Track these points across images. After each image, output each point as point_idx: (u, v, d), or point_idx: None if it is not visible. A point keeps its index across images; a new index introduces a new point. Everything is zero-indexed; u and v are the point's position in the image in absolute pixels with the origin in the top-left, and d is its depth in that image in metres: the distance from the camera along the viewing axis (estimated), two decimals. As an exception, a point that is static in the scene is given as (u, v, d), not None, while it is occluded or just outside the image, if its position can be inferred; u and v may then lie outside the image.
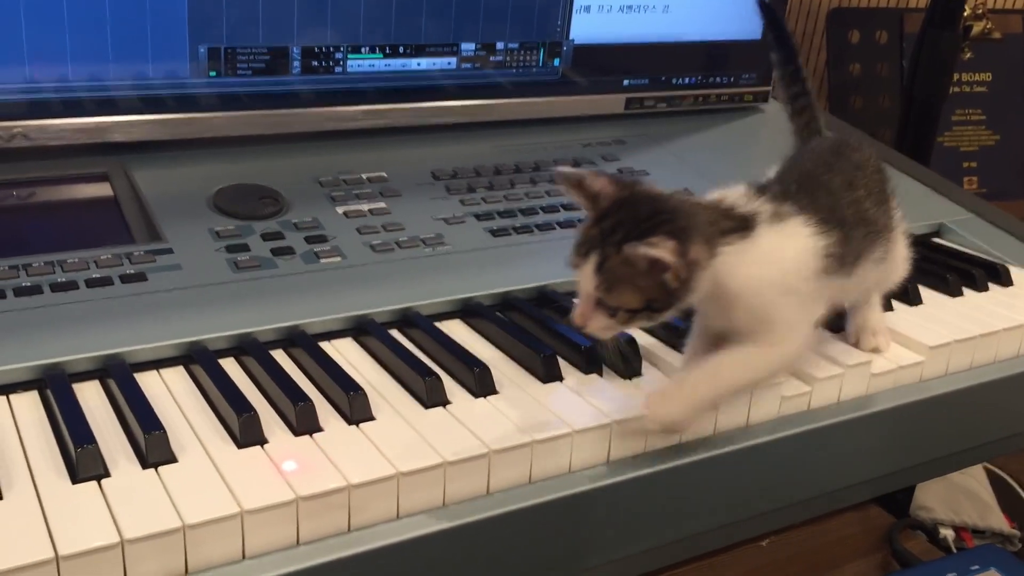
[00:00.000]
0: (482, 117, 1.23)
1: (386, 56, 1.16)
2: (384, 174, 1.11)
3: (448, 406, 0.76)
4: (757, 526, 0.87)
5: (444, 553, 0.68)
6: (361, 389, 0.75)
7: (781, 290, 0.74)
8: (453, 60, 1.20)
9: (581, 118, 1.30)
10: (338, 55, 1.13)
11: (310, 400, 0.73)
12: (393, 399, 0.77)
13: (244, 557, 0.63)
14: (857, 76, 1.95)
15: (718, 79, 1.38)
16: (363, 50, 1.14)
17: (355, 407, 0.74)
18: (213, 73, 1.07)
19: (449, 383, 0.79)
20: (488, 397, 0.78)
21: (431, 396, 0.76)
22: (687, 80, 1.36)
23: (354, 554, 0.64)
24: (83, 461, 0.65)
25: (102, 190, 1.02)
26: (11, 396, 0.74)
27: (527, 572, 0.74)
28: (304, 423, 0.72)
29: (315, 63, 1.12)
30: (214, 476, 0.66)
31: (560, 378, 0.81)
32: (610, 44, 1.29)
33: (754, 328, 0.75)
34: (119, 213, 0.99)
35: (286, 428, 0.73)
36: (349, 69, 1.14)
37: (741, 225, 0.74)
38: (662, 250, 0.67)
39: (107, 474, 0.66)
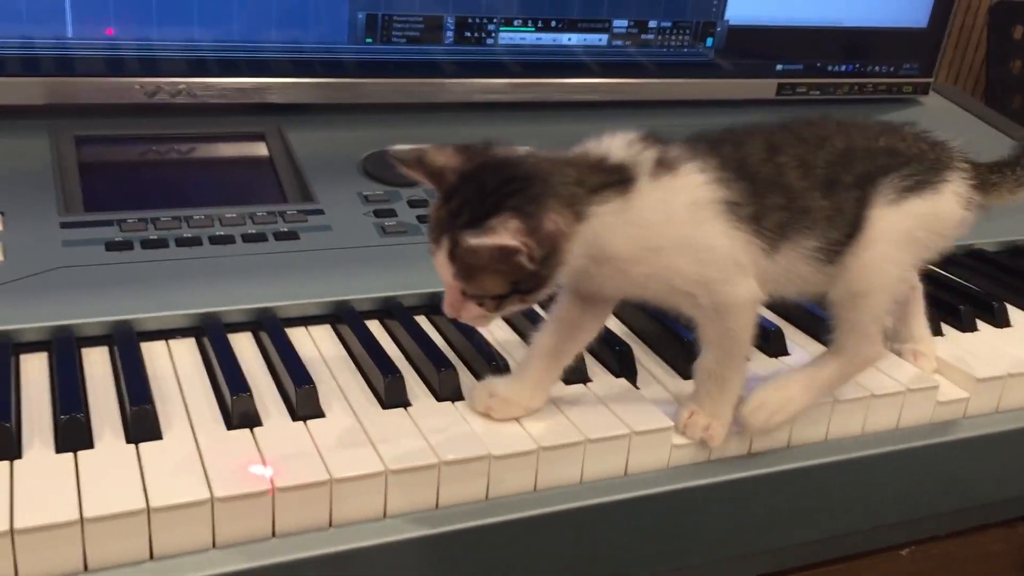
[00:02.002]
0: (629, 96, 1.22)
1: (538, 30, 1.15)
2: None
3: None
4: (898, 535, 0.84)
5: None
6: (500, 360, 0.75)
7: (677, 246, 0.65)
8: (604, 37, 1.18)
9: (730, 102, 1.26)
10: (490, 27, 1.13)
11: (453, 367, 0.74)
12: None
13: (385, 515, 0.64)
14: (1018, 74, 1.84)
15: (876, 68, 1.32)
16: (515, 23, 1.14)
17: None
18: (369, 40, 1.08)
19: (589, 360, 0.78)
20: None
21: (574, 375, 0.76)
22: (843, 67, 1.30)
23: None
24: (238, 409, 0.67)
25: (258, 149, 1.05)
26: (170, 341, 0.77)
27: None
28: (446, 390, 0.72)
29: (467, 34, 1.12)
30: (360, 434, 0.67)
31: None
32: (765, 27, 1.25)
33: (676, 298, 0.66)
34: (274, 172, 1.01)
35: (429, 393, 0.73)
36: (500, 42, 1.14)
37: (616, 178, 0.64)
38: (502, 235, 0.59)
39: (259, 423, 0.68)
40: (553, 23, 1.15)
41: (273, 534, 0.62)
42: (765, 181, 0.67)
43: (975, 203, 0.73)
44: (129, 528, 0.58)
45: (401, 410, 0.70)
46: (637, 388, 0.76)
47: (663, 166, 0.65)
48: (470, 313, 0.64)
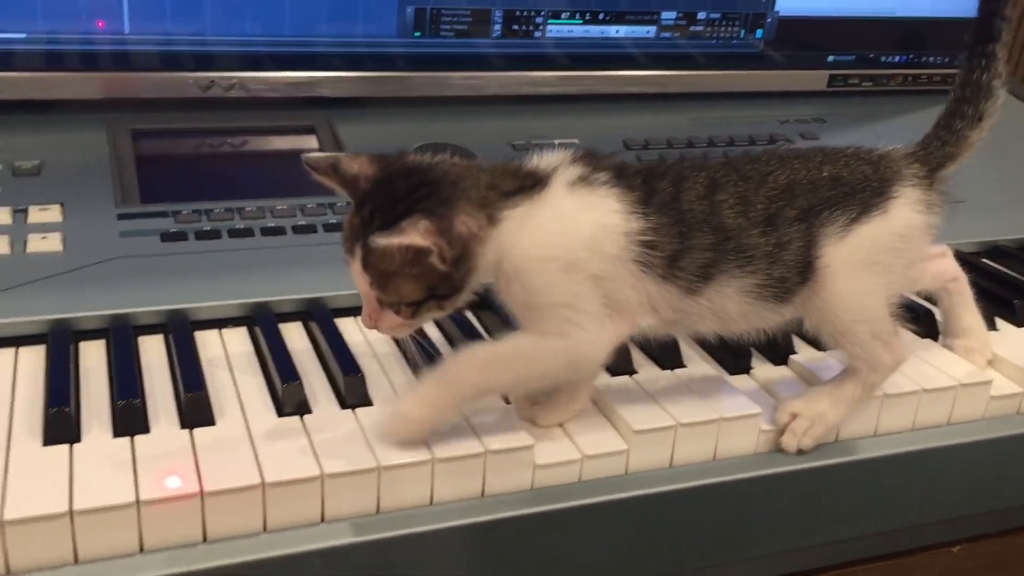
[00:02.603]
0: (677, 88, 1.21)
1: (585, 22, 1.15)
2: (576, 140, 1.11)
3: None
4: (949, 531, 0.83)
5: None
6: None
7: (563, 265, 0.62)
8: (652, 29, 1.17)
9: (780, 94, 1.25)
10: (538, 19, 1.13)
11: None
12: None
13: (432, 503, 0.65)
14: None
15: (931, 59, 1.30)
16: (563, 15, 1.14)
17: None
18: (417, 33, 1.09)
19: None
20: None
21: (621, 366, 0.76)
22: (896, 58, 1.29)
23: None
24: (288, 397, 0.69)
25: (308, 142, 1.06)
26: (223, 330, 0.79)
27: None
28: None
29: (515, 27, 1.12)
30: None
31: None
32: (816, 17, 1.24)
33: (526, 314, 0.64)
34: (323, 165, 1.03)
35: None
36: (548, 34, 1.14)
37: (529, 183, 0.63)
38: (412, 234, 0.58)
39: (309, 411, 0.69)
40: (601, 15, 1.15)
41: (322, 519, 0.63)
42: (695, 220, 0.65)
43: (936, 196, 0.71)
44: (183, 511, 0.59)
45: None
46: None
47: (583, 181, 0.64)
48: (387, 323, 0.63)
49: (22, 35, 0.96)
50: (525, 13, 1.12)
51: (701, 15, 1.19)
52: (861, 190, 0.68)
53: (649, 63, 1.19)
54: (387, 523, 0.63)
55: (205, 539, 0.60)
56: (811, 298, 0.68)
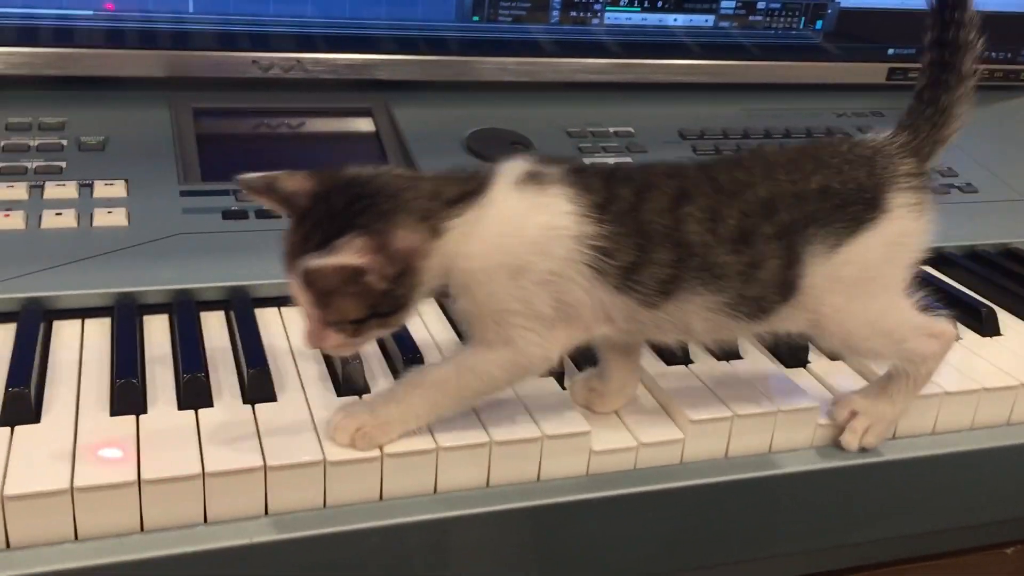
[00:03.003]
0: (735, 78, 1.20)
1: (644, 10, 1.14)
2: (631, 129, 1.11)
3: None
4: (1004, 532, 0.82)
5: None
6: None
7: (510, 271, 0.59)
8: (711, 17, 1.17)
9: (838, 86, 1.24)
10: (596, 6, 1.13)
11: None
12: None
13: (488, 484, 0.65)
14: None
15: (992, 54, 1.28)
16: (621, 2, 1.13)
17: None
18: (476, 18, 1.09)
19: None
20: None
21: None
22: (958, 52, 1.26)
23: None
24: (350, 376, 0.70)
25: (365, 125, 1.07)
26: (282, 308, 0.80)
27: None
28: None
29: (573, 13, 1.12)
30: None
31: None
32: (877, 9, 1.22)
33: (474, 323, 0.61)
34: (380, 147, 1.03)
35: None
36: (605, 21, 1.14)
37: (474, 187, 0.60)
38: (347, 254, 0.56)
39: (368, 390, 0.70)
40: (659, 3, 1.14)
41: (380, 497, 0.63)
42: (656, 234, 0.61)
43: (929, 195, 0.66)
44: (247, 484, 0.60)
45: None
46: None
47: (532, 178, 0.61)
48: (330, 342, 0.60)
49: (89, 12, 0.98)
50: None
51: (761, 5, 1.18)
52: (852, 203, 0.63)
53: (706, 52, 1.18)
54: (444, 503, 0.63)
55: (267, 512, 0.61)
56: (800, 316, 0.64)
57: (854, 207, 0.63)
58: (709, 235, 0.61)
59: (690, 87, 1.18)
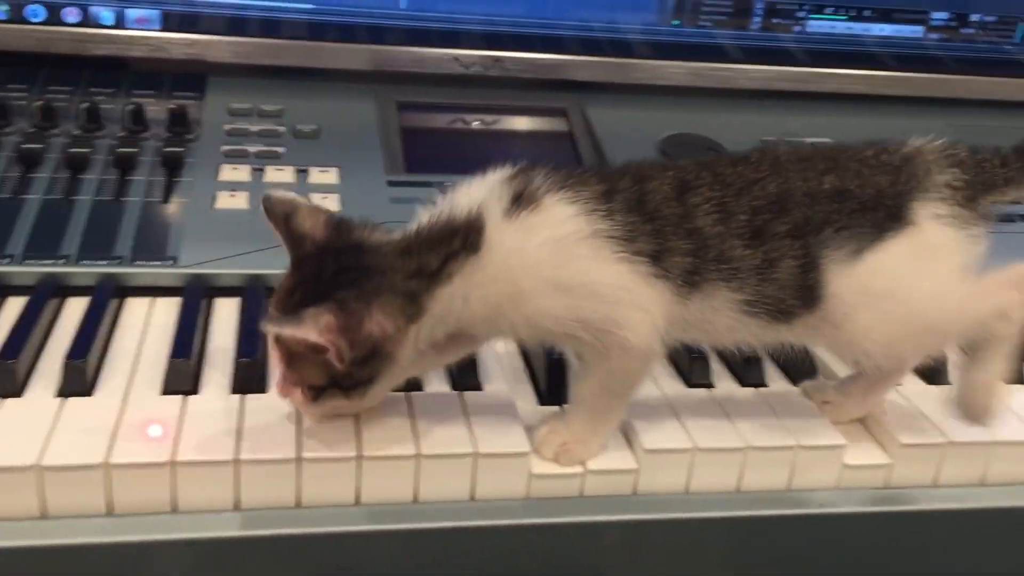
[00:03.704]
0: (938, 92, 1.15)
1: (850, 19, 1.11)
2: (829, 140, 1.08)
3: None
4: None
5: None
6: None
7: (542, 289, 0.57)
8: (920, 28, 1.12)
9: (1053, 105, 1.17)
10: (800, 13, 1.10)
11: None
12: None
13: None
14: None
15: None
16: (827, 10, 1.11)
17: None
18: (676, 22, 1.09)
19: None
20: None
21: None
22: None
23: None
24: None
25: (559, 125, 1.08)
26: None
27: None
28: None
29: (775, 20, 1.10)
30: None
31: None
32: (1103, 25, 1.15)
33: (559, 341, 0.60)
34: (574, 148, 1.04)
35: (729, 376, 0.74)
36: (808, 29, 1.11)
37: (460, 243, 0.57)
38: (309, 328, 0.54)
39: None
40: (866, 12, 1.11)
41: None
42: (668, 221, 0.58)
43: (976, 212, 0.61)
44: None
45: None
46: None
47: (522, 202, 0.58)
48: (294, 399, 0.59)
49: (310, 6, 1.03)
50: (788, 6, 1.10)
51: (975, 17, 1.12)
52: (872, 208, 0.60)
53: (912, 64, 1.14)
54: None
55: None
56: (827, 330, 0.61)
57: (873, 213, 0.60)
58: (721, 227, 0.59)
59: (890, 99, 1.15)
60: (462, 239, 0.58)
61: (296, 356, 0.57)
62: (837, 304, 0.60)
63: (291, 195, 0.60)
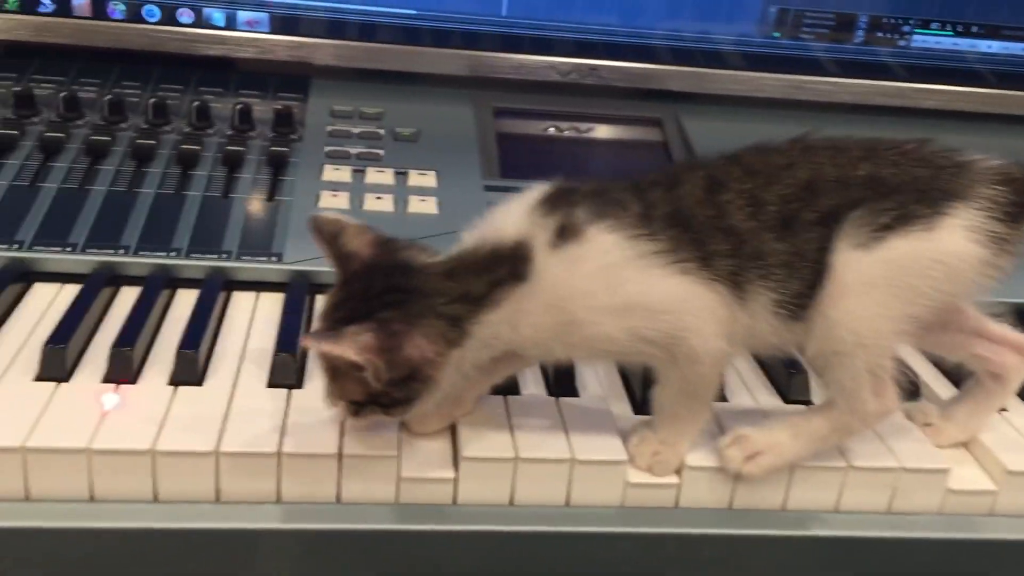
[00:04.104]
0: (1044, 112, 1.12)
1: (956, 34, 1.09)
2: (929, 157, 1.06)
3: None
4: None
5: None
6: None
7: (598, 320, 0.58)
8: (1028, 46, 1.10)
9: None
10: (905, 28, 1.08)
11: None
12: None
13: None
14: None
15: None
16: (933, 25, 1.08)
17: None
18: (776, 34, 1.08)
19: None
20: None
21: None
22: None
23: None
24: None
25: (653, 134, 1.08)
26: None
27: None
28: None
29: (879, 34, 1.08)
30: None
31: None
32: None
33: (627, 358, 0.61)
34: (668, 158, 1.04)
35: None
36: (912, 44, 1.09)
37: (508, 271, 0.58)
38: (348, 347, 0.54)
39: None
40: (974, 28, 1.09)
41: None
42: (704, 225, 0.58)
43: (1013, 236, 0.58)
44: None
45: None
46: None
47: (565, 233, 0.58)
48: (340, 411, 0.60)
49: (412, 11, 1.05)
50: (893, 20, 1.08)
51: (1088, 35, 1.09)
52: (903, 192, 0.58)
53: (1015, 83, 1.11)
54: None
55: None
56: (813, 316, 0.59)
57: (903, 197, 0.58)
58: (753, 221, 0.58)
59: (998, 118, 1.12)
60: (510, 267, 0.58)
61: (338, 370, 0.58)
62: (833, 288, 0.58)
63: (338, 215, 0.61)
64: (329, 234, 0.60)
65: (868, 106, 1.11)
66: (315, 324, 0.60)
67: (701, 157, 0.62)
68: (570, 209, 0.59)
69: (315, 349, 0.57)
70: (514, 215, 0.60)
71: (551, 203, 0.60)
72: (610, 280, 0.58)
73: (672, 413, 0.63)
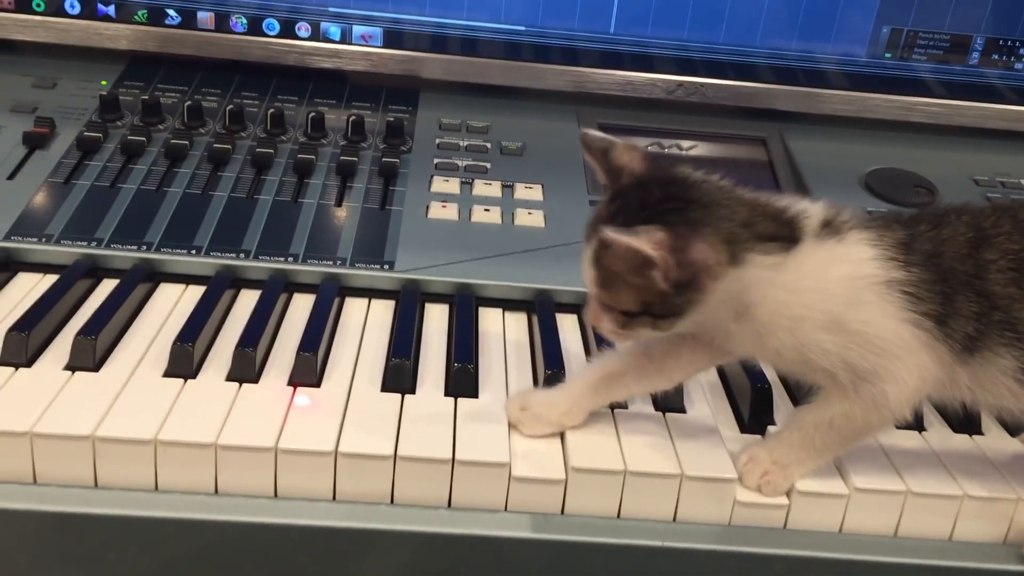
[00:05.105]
0: None
1: (1077, 57, 1.06)
2: (1047, 185, 1.03)
3: None
4: None
5: None
6: None
7: (823, 322, 0.57)
8: None
9: None
10: (1022, 51, 1.06)
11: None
12: None
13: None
14: None
15: None
16: (1052, 48, 1.06)
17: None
18: (888, 55, 1.07)
19: None
20: None
21: None
22: None
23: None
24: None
25: (758, 153, 1.07)
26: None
27: None
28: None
29: (995, 56, 1.06)
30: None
31: None
32: None
33: (814, 375, 0.59)
34: (773, 177, 1.03)
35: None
36: (1029, 66, 1.07)
37: (786, 232, 0.58)
38: (643, 240, 0.54)
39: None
40: (1097, 51, 1.05)
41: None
42: (959, 280, 0.58)
43: None
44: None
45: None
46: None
47: (829, 228, 0.59)
48: (607, 325, 0.60)
49: (522, 28, 1.06)
50: (1011, 42, 1.05)
51: None
52: None
53: None
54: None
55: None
56: None
57: None
58: (1014, 287, 0.57)
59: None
60: (789, 231, 0.59)
61: (614, 278, 0.58)
62: None
63: (600, 134, 0.63)
64: (599, 150, 0.62)
65: (981, 129, 1.08)
66: (586, 232, 0.61)
67: (970, 203, 0.62)
68: (839, 210, 0.61)
69: (609, 240, 0.56)
70: (801, 200, 0.61)
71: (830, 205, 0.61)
72: (852, 293, 0.58)
73: (805, 437, 0.62)
